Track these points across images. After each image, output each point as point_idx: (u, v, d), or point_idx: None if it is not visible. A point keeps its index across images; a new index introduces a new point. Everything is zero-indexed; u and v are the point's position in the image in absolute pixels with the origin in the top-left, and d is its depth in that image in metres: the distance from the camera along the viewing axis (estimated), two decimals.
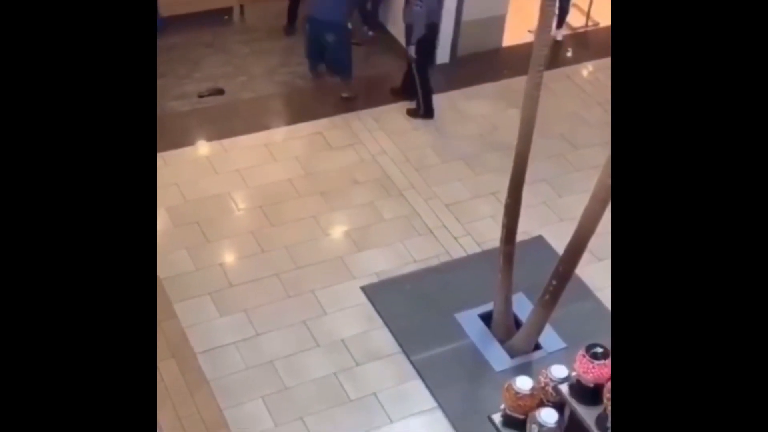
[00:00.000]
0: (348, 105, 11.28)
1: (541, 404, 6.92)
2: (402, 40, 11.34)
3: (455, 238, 9.45)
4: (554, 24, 12.54)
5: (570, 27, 13.22)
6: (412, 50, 10.68)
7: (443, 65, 12.08)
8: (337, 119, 11.01)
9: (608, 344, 6.24)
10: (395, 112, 11.17)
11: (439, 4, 10.81)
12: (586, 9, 13.21)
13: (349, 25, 11.38)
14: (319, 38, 11.18)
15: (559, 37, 12.81)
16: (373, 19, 12.61)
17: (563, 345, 8.26)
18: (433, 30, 10.85)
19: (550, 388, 6.92)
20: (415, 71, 10.93)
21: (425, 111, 11.10)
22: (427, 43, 10.83)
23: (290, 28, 12.54)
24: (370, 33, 12.54)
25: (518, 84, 10.16)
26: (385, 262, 9.13)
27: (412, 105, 11.16)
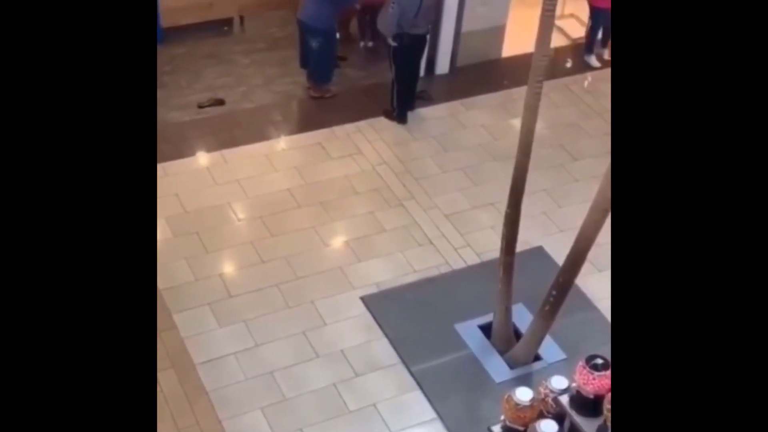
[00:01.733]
0: (332, 110, 11.42)
1: (541, 416, 6.90)
2: None
3: (455, 249, 9.44)
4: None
5: (569, 37, 13.24)
6: (389, 39, 10.69)
7: (443, 75, 12.10)
8: (337, 129, 11.01)
9: (608, 355, 6.24)
10: (395, 123, 11.17)
11: (416, 16, 10.57)
12: (585, 20, 13.20)
13: (337, 35, 11.42)
14: (305, 41, 11.27)
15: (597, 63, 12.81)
16: (369, 30, 12.58)
17: (563, 356, 8.25)
18: (413, 41, 10.78)
19: (550, 400, 6.91)
20: (393, 77, 11.00)
21: (398, 114, 11.19)
22: (406, 53, 10.83)
23: None
24: (370, 43, 12.53)
25: (518, 94, 10.23)
26: (385, 272, 9.12)
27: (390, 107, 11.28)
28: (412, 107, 11.31)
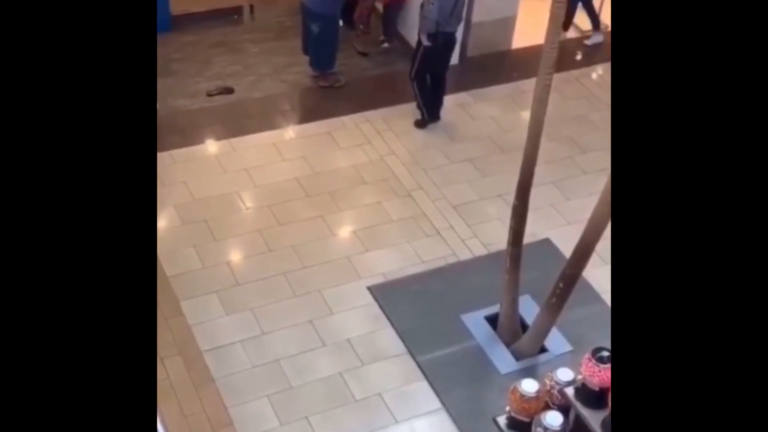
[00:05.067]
0: (341, 96, 11.52)
1: (547, 407, 6.90)
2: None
3: (462, 240, 9.45)
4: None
5: (579, 30, 13.22)
6: (423, 38, 10.52)
7: (452, 66, 12.04)
8: (346, 119, 11.02)
9: None
10: (404, 113, 11.17)
11: (452, 14, 10.44)
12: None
13: (340, 21, 11.39)
14: (307, 26, 11.29)
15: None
16: (392, 28, 12.56)
17: (569, 348, 8.26)
18: (446, 39, 10.65)
19: (555, 392, 6.90)
20: (412, 77, 10.89)
21: (429, 115, 11.07)
22: (439, 52, 10.72)
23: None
24: (386, 45, 12.51)
25: (527, 86, 10.21)
26: (392, 262, 9.14)
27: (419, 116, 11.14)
28: (438, 116, 11.24)
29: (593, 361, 6.35)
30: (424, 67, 10.79)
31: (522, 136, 7.50)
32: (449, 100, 11.40)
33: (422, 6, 10.45)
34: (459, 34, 11.75)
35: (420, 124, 11.09)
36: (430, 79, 11.01)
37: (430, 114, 11.06)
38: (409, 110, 11.19)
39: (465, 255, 9.31)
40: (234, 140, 10.59)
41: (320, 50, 11.41)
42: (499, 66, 12.26)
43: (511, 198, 7.75)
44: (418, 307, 8.68)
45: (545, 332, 8.00)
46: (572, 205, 9.89)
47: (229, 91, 11.44)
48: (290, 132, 10.87)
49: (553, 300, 7.55)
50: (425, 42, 10.48)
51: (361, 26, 12.58)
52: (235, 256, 9.11)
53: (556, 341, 8.26)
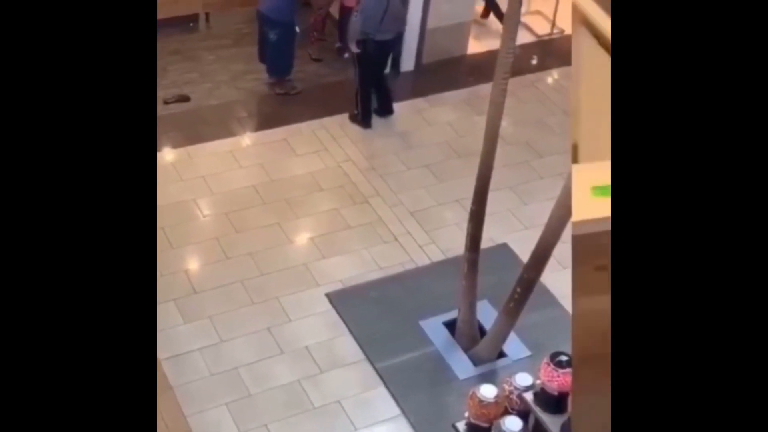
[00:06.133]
0: (294, 102, 11.56)
1: (506, 412, 6.92)
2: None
3: (420, 246, 9.46)
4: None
5: (535, 34, 13.28)
6: (352, 45, 10.64)
7: (408, 73, 12.12)
8: (303, 126, 11.00)
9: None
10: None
11: (381, 22, 10.50)
12: (551, 17, 13.27)
13: (297, 28, 11.37)
14: (264, 34, 11.29)
15: None
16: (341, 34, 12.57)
17: (528, 353, 8.28)
18: (378, 47, 10.73)
19: (514, 396, 6.92)
20: (357, 81, 10.99)
21: (363, 118, 11.14)
22: (371, 59, 10.80)
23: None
24: (346, 55, 12.49)
25: (483, 91, 10.24)
26: (350, 269, 9.12)
27: (356, 111, 11.22)
28: (390, 110, 11.32)
29: (552, 365, 6.38)
30: (364, 73, 10.88)
31: (479, 141, 7.52)
32: (405, 107, 11.43)
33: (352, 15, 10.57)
34: (414, 41, 11.82)
35: (354, 118, 11.18)
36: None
37: (364, 118, 11.13)
38: None
39: (423, 261, 9.31)
40: (190, 148, 10.54)
41: (277, 57, 11.40)
42: (454, 71, 12.29)
43: (468, 203, 7.77)
44: (376, 313, 8.67)
45: (503, 337, 8.02)
46: (530, 210, 9.92)
47: (185, 99, 11.39)
48: (247, 139, 10.84)
49: (511, 305, 7.58)
50: (353, 48, 10.61)
51: (315, 33, 12.59)
52: (193, 264, 9.07)
53: (514, 346, 8.28)
